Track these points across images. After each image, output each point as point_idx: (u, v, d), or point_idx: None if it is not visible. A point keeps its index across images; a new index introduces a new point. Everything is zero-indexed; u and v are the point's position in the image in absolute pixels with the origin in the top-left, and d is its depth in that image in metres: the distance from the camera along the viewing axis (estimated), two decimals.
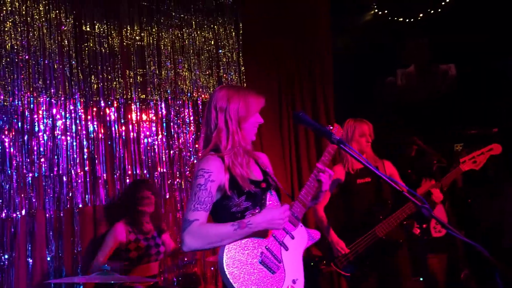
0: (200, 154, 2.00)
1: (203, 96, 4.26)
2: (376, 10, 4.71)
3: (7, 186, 3.42)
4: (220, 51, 4.41)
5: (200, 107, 4.24)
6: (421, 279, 3.60)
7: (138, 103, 3.99)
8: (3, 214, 3.36)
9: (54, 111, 3.67)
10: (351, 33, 4.71)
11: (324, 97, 4.69)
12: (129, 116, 3.96)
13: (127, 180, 3.86)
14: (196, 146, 4.15)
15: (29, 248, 3.46)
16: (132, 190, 3.55)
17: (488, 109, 3.98)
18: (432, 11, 4.34)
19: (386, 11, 4.57)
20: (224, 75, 4.39)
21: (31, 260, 3.45)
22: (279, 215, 1.84)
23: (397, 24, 4.53)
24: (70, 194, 3.64)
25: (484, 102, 4.07)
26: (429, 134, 3.43)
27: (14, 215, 3.41)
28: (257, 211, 1.93)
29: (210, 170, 1.88)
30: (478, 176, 2.98)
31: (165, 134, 4.04)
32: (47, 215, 3.54)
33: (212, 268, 4.04)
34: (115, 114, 3.90)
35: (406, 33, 4.41)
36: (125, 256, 3.36)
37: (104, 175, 3.77)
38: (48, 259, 3.50)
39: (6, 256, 3.34)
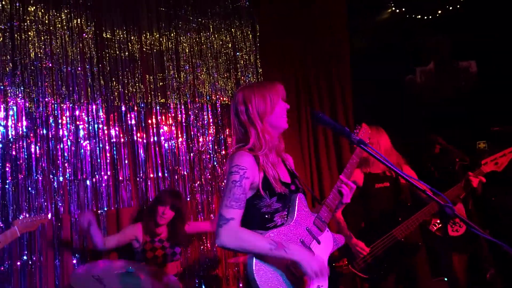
0: (231, 150, 2.00)
1: (221, 99, 4.32)
2: (393, 9, 4.70)
3: (34, 191, 3.51)
4: (238, 53, 4.45)
5: (219, 109, 4.29)
6: (445, 279, 3.57)
7: (158, 107, 4.06)
8: (31, 219, 3.36)
9: (77, 116, 3.76)
10: (369, 32, 4.70)
11: (342, 97, 4.67)
12: (150, 120, 4.02)
13: (149, 183, 3.93)
14: (216, 148, 4.20)
15: (56, 251, 3.56)
16: (154, 201, 3.60)
17: (510, 105, 3.91)
18: (451, 8, 4.33)
19: (403, 9, 4.56)
20: (242, 78, 4.43)
21: (58, 263, 3.54)
22: (317, 267, 1.84)
23: (415, 22, 4.52)
24: (94, 198, 3.72)
25: (506, 98, 3.99)
26: (451, 132, 3.39)
27: (39, 218, 3.38)
28: (285, 213, 1.93)
29: (245, 167, 1.88)
30: (502, 176, 2.94)
31: (184, 137, 4.10)
32: (72, 219, 3.64)
33: (235, 269, 4.06)
34: (136, 119, 3.97)
35: (424, 31, 4.39)
36: (142, 256, 3.42)
37: (127, 178, 3.85)
38: (74, 261, 3.59)
39: (34, 259, 3.43)
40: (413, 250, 3.08)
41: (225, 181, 1.93)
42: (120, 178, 3.84)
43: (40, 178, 3.56)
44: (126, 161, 3.86)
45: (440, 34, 4.34)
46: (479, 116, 3.94)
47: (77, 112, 3.76)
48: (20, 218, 3.00)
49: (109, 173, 3.80)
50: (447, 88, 4.34)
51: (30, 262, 3.42)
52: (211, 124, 4.23)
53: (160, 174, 3.96)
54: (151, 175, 3.93)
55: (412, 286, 3.06)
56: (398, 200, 3.15)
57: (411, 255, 3.07)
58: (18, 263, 3.37)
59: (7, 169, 3.44)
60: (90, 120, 3.80)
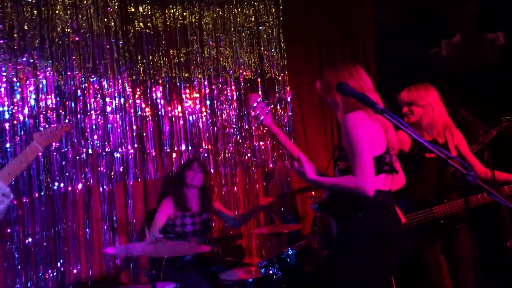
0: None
1: (244, 73, 4.37)
2: None
3: (64, 162, 3.65)
4: (261, 28, 4.47)
5: (242, 84, 4.34)
6: None
7: (182, 82, 4.14)
8: (63, 189, 3.62)
9: (104, 90, 3.85)
10: (393, 5, 4.62)
11: (367, 71, 4.59)
12: (174, 94, 4.11)
13: (174, 156, 4.05)
14: (239, 122, 4.29)
15: (86, 219, 3.72)
16: (179, 171, 3.71)
17: None
18: None
19: None
20: (265, 52, 4.47)
21: (88, 231, 3.71)
22: None
23: None
24: (122, 170, 3.85)
25: None
26: (476, 105, 3.30)
27: (70, 188, 3.65)
28: None
29: None
30: None
31: (208, 111, 4.19)
32: (101, 189, 3.78)
33: (257, 241, 4.16)
34: (161, 93, 4.06)
35: (450, 1, 4.31)
36: (171, 230, 3.55)
37: (153, 151, 3.96)
38: (103, 230, 3.75)
39: (67, 227, 3.60)
40: (450, 231, 2.96)
41: None
42: (146, 151, 3.95)
43: (70, 150, 3.69)
44: (152, 135, 3.98)
45: (466, 5, 4.25)
46: (507, 89, 3.88)
47: (103, 85, 3.85)
48: (40, 130, 2.66)
49: (135, 146, 3.92)
50: (473, 60, 4.25)
51: (61, 231, 3.59)
52: (235, 98, 4.28)
53: (183, 148, 4.06)
54: (176, 148, 4.05)
55: (451, 260, 2.97)
56: (450, 179, 2.99)
57: (448, 234, 2.96)
58: (52, 231, 3.55)
59: None
60: (116, 93, 3.89)
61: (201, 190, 3.65)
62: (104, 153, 3.81)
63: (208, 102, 4.20)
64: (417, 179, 2.95)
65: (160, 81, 4.08)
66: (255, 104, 2.49)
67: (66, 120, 3.62)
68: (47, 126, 3.10)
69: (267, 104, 2.54)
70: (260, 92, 4.33)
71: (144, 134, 3.97)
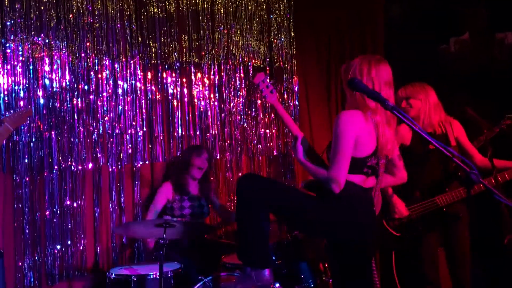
0: None
1: (253, 61, 4.38)
2: None
3: (76, 140, 3.72)
4: (272, 16, 4.48)
5: (251, 72, 4.35)
6: None
7: (192, 67, 4.17)
8: (73, 168, 3.71)
9: (116, 73, 3.89)
10: (404, 1, 4.67)
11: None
12: (184, 79, 4.15)
13: (182, 141, 4.11)
14: (246, 110, 4.32)
15: (95, 198, 3.81)
16: (186, 156, 3.75)
17: None
18: None
19: None
20: (275, 41, 4.49)
21: (97, 209, 3.81)
22: None
23: None
24: (130, 151, 3.92)
25: None
26: (482, 103, 3.40)
27: (80, 167, 3.73)
28: None
29: None
30: None
31: (217, 97, 4.22)
32: (110, 169, 3.86)
33: None
34: (172, 77, 4.10)
35: (460, 0, 4.36)
36: (170, 213, 3.62)
37: (161, 134, 4.02)
38: (111, 209, 3.84)
39: (76, 205, 3.70)
40: (453, 220, 3.02)
41: None
42: (155, 134, 4.01)
43: (82, 130, 3.76)
44: (161, 118, 4.03)
45: (476, 4, 4.28)
46: None
47: (116, 68, 3.88)
48: (7, 115, 3.18)
49: (145, 129, 3.98)
50: (482, 59, 4.28)
51: (72, 207, 3.68)
52: (243, 86, 4.32)
53: (191, 132, 4.12)
54: (184, 133, 4.10)
55: (450, 254, 3.06)
56: (450, 168, 3.04)
57: (450, 224, 3.03)
58: (63, 207, 3.64)
59: (53, 119, 3.65)
60: (127, 76, 3.93)
61: (202, 176, 3.72)
62: (114, 134, 3.86)
63: (216, 88, 4.25)
64: (421, 171, 3.02)
65: (171, 66, 4.12)
66: (259, 82, 2.54)
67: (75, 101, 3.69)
68: (12, 111, 3.35)
69: (271, 83, 2.60)
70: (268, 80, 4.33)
71: (154, 117, 4.02)
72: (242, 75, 4.33)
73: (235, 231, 4.17)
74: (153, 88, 4.04)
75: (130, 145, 3.92)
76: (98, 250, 3.75)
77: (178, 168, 3.72)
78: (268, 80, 2.56)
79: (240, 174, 4.25)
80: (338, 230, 2.24)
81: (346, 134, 2.14)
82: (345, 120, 2.16)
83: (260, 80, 2.55)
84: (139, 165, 3.94)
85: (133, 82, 3.95)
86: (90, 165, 3.78)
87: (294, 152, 2.34)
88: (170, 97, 4.09)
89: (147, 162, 3.98)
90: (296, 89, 4.54)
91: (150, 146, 3.99)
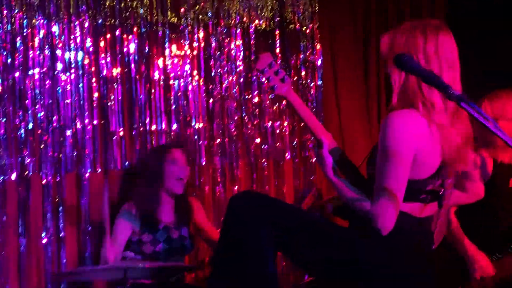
0: None
1: (256, 21, 3.69)
2: None
3: None
4: None
5: (253, 37, 3.65)
6: None
7: (166, 30, 3.52)
8: None
9: (54, 38, 3.26)
10: None
11: None
12: (154, 48, 3.50)
13: (151, 139, 3.44)
14: (245, 93, 3.67)
15: (21, 224, 3.10)
16: (156, 158, 3.05)
17: None
18: None
19: None
20: None
21: (23, 240, 3.09)
22: None
23: None
24: (75, 154, 3.25)
25: None
26: None
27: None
28: None
29: None
30: None
31: (203, 75, 3.58)
32: (44, 181, 3.18)
33: None
34: (136, 46, 3.44)
35: None
36: (137, 249, 2.94)
37: (120, 130, 3.38)
38: (44, 241, 3.13)
39: None
40: None
41: None
42: (111, 128, 3.37)
43: (1, 123, 3.09)
44: (120, 106, 3.37)
45: None
46: None
47: (53, 32, 3.25)
48: None
49: (95, 121, 3.31)
50: None
51: None
52: (241, 58, 3.62)
53: (164, 127, 3.45)
54: (153, 127, 3.43)
55: None
56: None
57: None
58: None
59: None
60: (71, 44, 3.30)
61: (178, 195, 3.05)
62: (50, 129, 3.24)
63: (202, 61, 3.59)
64: (495, 211, 2.78)
65: (135, 28, 3.41)
66: (265, 68, 2.22)
67: None
68: None
69: (282, 68, 2.39)
70: (277, 49, 3.71)
71: (110, 103, 3.35)
72: (240, 43, 3.63)
73: None
74: (108, 61, 3.37)
75: (73, 145, 3.27)
76: None
77: (145, 185, 3.03)
78: (277, 64, 2.29)
79: (236, 189, 3.56)
80: (375, 279, 1.93)
81: (401, 150, 1.82)
82: (398, 125, 1.84)
83: (266, 65, 2.25)
84: (87, 174, 3.28)
85: (79, 52, 3.32)
86: (14, 175, 3.12)
87: (318, 162, 2.11)
88: (133, 75, 3.41)
89: (99, 171, 3.33)
90: (318, 63, 3.82)
91: (103, 146, 3.36)
